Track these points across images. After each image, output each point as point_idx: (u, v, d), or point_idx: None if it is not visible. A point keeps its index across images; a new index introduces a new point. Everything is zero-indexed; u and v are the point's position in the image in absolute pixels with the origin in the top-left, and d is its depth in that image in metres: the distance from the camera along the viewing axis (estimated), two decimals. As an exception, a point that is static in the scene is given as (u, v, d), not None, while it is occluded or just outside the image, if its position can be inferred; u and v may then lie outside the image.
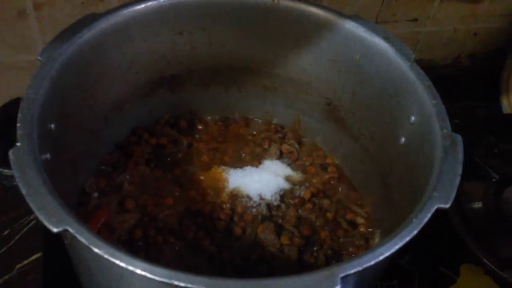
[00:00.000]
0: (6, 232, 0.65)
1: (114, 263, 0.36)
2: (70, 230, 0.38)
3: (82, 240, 0.37)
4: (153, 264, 0.36)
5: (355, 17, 0.61)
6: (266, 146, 0.72)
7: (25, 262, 0.63)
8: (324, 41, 0.64)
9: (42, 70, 0.49)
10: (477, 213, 0.71)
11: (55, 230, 0.38)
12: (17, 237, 0.65)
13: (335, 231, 0.63)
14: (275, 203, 0.64)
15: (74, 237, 0.38)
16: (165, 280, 0.36)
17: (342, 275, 0.37)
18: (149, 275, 0.36)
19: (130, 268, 0.36)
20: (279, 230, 0.61)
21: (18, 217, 0.67)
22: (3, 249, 0.64)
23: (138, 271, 0.36)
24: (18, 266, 0.63)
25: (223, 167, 0.68)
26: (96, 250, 0.37)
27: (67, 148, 0.55)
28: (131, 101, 0.66)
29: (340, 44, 0.63)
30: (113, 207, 0.61)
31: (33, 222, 0.67)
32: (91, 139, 0.61)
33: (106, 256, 0.36)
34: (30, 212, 0.66)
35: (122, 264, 0.36)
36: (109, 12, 0.57)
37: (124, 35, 0.59)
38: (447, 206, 0.43)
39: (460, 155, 0.48)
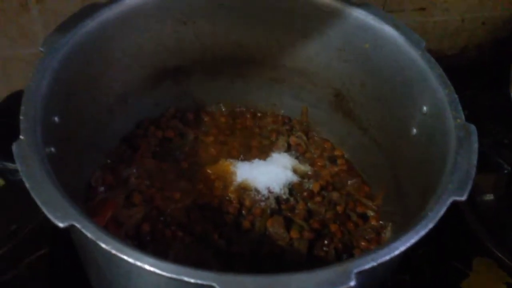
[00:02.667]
0: (13, 227, 0.65)
1: (122, 259, 0.35)
2: (77, 225, 0.37)
3: (89, 235, 0.36)
4: (162, 260, 0.35)
5: (363, 5, 0.60)
6: (273, 138, 0.71)
7: (33, 257, 0.62)
8: (331, 29, 0.63)
9: (44, 61, 0.48)
10: (489, 206, 0.70)
11: (61, 225, 0.37)
12: (25, 231, 0.65)
13: (345, 225, 0.62)
14: (284, 197, 0.63)
15: (81, 232, 0.37)
16: (174, 276, 0.35)
17: (356, 270, 0.36)
18: (157, 271, 0.35)
19: (138, 263, 0.35)
20: (288, 223, 0.60)
21: (25, 212, 0.66)
22: (11, 244, 0.63)
23: (146, 267, 0.35)
24: (26, 260, 0.62)
25: (231, 160, 0.67)
26: (103, 245, 0.36)
27: (72, 141, 0.54)
28: (136, 93, 0.65)
29: (348, 33, 0.62)
30: (120, 201, 0.60)
31: (41, 216, 0.66)
32: (97, 132, 0.60)
33: (113, 251, 0.35)
34: (37, 206, 0.66)
35: (130, 260, 0.35)
36: (112, 2, 0.56)
37: (126, 25, 0.58)
38: (463, 198, 0.42)
39: (475, 146, 0.46)
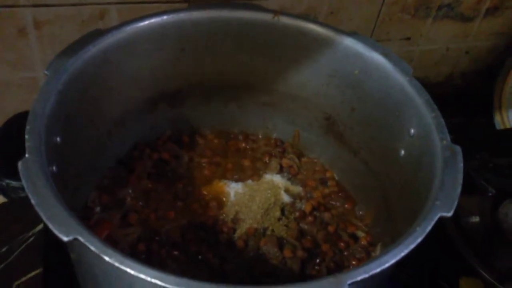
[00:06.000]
0: (4, 249, 0.65)
1: (124, 272, 0.37)
2: (80, 238, 0.38)
3: (93, 248, 0.37)
4: (164, 272, 0.36)
5: (353, 34, 0.63)
6: (266, 160, 0.73)
7: (24, 279, 0.62)
8: (322, 57, 0.66)
9: (49, 83, 0.50)
10: (474, 227, 0.72)
11: (65, 239, 0.38)
12: (16, 253, 0.65)
13: (336, 244, 0.63)
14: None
15: (83, 247, 0.38)
16: (175, 287, 0.36)
17: (349, 281, 0.38)
18: (160, 283, 0.36)
19: (142, 276, 0.36)
20: (281, 243, 0.62)
21: (17, 234, 0.67)
22: (1, 266, 0.63)
23: (149, 279, 0.36)
24: (16, 283, 0.62)
25: (225, 181, 0.69)
26: (106, 258, 0.37)
27: (72, 162, 0.55)
28: (134, 116, 0.67)
29: (338, 60, 0.65)
30: (116, 221, 0.61)
31: (32, 238, 0.67)
32: (95, 154, 0.62)
33: (117, 264, 0.37)
34: (29, 228, 0.67)
35: (133, 272, 0.37)
36: (114, 28, 0.58)
37: (127, 51, 0.60)
38: (450, 214, 0.44)
39: (460, 165, 0.49)
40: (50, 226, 0.38)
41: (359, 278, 0.38)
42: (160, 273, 0.36)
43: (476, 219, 0.73)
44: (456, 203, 0.45)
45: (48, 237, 0.65)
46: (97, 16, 0.73)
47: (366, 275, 0.38)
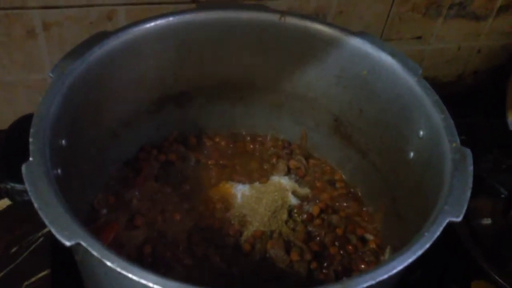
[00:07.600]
0: (14, 250, 0.65)
1: (126, 277, 0.36)
2: (83, 243, 0.38)
3: (95, 253, 0.37)
4: (166, 278, 0.36)
5: (360, 34, 0.62)
6: (273, 162, 0.72)
7: (33, 279, 0.63)
8: (330, 57, 0.65)
9: (54, 86, 0.50)
10: (486, 229, 0.71)
11: (67, 243, 0.38)
12: (25, 254, 0.65)
13: (344, 247, 0.63)
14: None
15: (86, 251, 0.38)
16: (177, 293, 0.35)
17: (355, 289, 0.37)
18: (162, 289, 0.36)
19: (143, 281, 0.36)
20: (288, 246, 0.61)
21: (26, 235, 0.67)
22: (10, 267, 0.64)
23: (151, 285, 0.36)
24: (25, 283, 0.62)
25: (232, 183, 0.68)
26: (109, 263, 0.37)
27: (77, 164, 0.55)
28: (140, 117, 0.67)
29: (346, 60, 0.64)
30: (122, 224, 0.61)
31: (41, 239, 0.67)
32: (101, 155, 0.62)
33: (118, 269, 0.36)
34: (38, 229, 0.67)
35: (135, 278, 0.36)
36: (119, 30, 0.58)
37: (133, 52, 0.60)
38: (459, 219, 0.43)
39: (470, 168, 0.48)
40: (53, 230, 0.38)
41: (365, 285, 0.37)
42: (162, 279, 0.36)
43: (488, 221, 0.72)
44: (465, 208, 0.44)
45: (55, 239, 0.65)
46: (105, 17, 0.73)
47: (373, 282, 0.38)
